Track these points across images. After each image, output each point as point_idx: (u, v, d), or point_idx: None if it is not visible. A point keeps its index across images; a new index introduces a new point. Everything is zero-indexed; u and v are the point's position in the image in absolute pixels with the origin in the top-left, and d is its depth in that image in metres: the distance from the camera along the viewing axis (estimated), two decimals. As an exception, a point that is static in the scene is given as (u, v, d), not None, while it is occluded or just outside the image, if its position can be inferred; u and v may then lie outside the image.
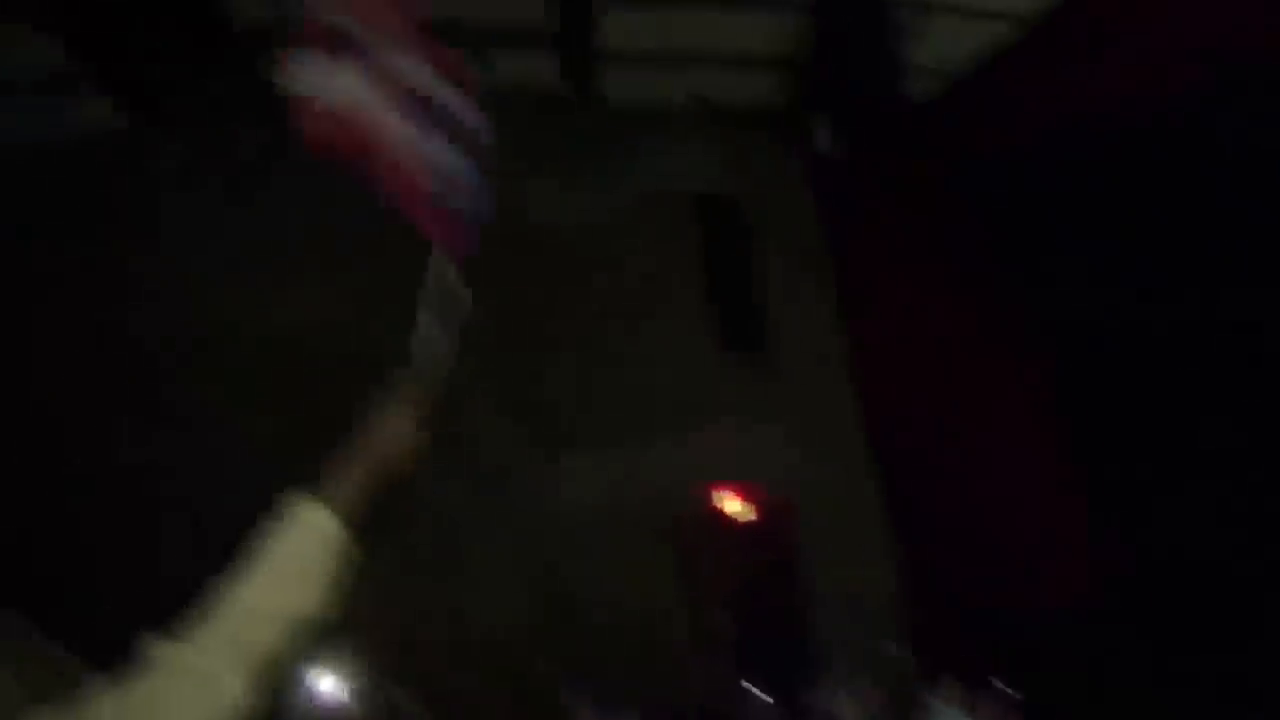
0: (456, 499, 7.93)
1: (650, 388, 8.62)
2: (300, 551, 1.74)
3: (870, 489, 8.72)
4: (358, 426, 1.93)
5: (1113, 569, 7.12)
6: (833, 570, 8.29)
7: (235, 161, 8.68)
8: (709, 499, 8.67)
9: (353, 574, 1.82)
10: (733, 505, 8.85)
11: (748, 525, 8.80)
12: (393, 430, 1.97)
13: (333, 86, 2.12)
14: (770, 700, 7.26)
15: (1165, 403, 6.85)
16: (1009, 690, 5.89)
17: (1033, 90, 8.17)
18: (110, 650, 1.74)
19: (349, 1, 2.19)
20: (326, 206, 7.20)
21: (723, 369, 8.80)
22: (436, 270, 2.27)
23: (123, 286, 8.29)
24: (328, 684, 7.08)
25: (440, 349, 2.27)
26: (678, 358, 8.74)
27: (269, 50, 7.75)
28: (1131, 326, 7.06)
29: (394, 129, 2.19)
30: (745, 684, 7.45)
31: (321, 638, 1.80)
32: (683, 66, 8.73)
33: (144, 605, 2.38)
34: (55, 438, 7.55)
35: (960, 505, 8.15)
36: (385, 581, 7.73)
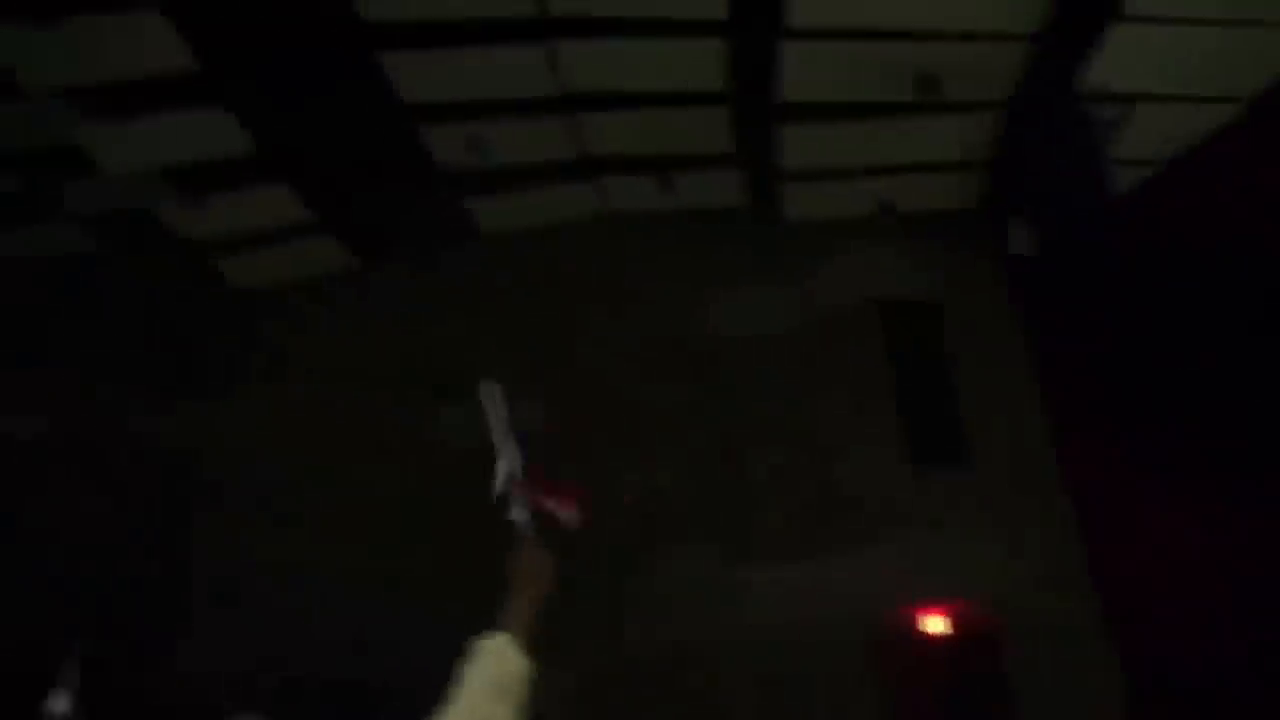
0: (639, 616, 8.02)
1: (840, 500, 8.45)
2: (497, 681, 2.09)
3: (1087, 609, 8.06)
4: (506, 564, 2.38)
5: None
6: (1047, 698, 7.69)
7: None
8: (907, 617, 8.32)
9: (536, 695, 2.16)
10: (934, 624, 8.45)
11: (951, 646, 8.36)
12: (534, 561, 2.40)
13: None
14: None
15: None
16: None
17: (1252, 176, 7.61)
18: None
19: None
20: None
21: (916, 480, 8.51)
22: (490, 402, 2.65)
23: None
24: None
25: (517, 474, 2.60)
26: (868, 469, 8.55)
27: (466, 188, 8.48)
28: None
29: None
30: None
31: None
32: (866, 176, 8.74)
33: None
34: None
35: (1193, 629, 7.41)
36: (565, 701, 7.98)
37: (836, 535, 8.40)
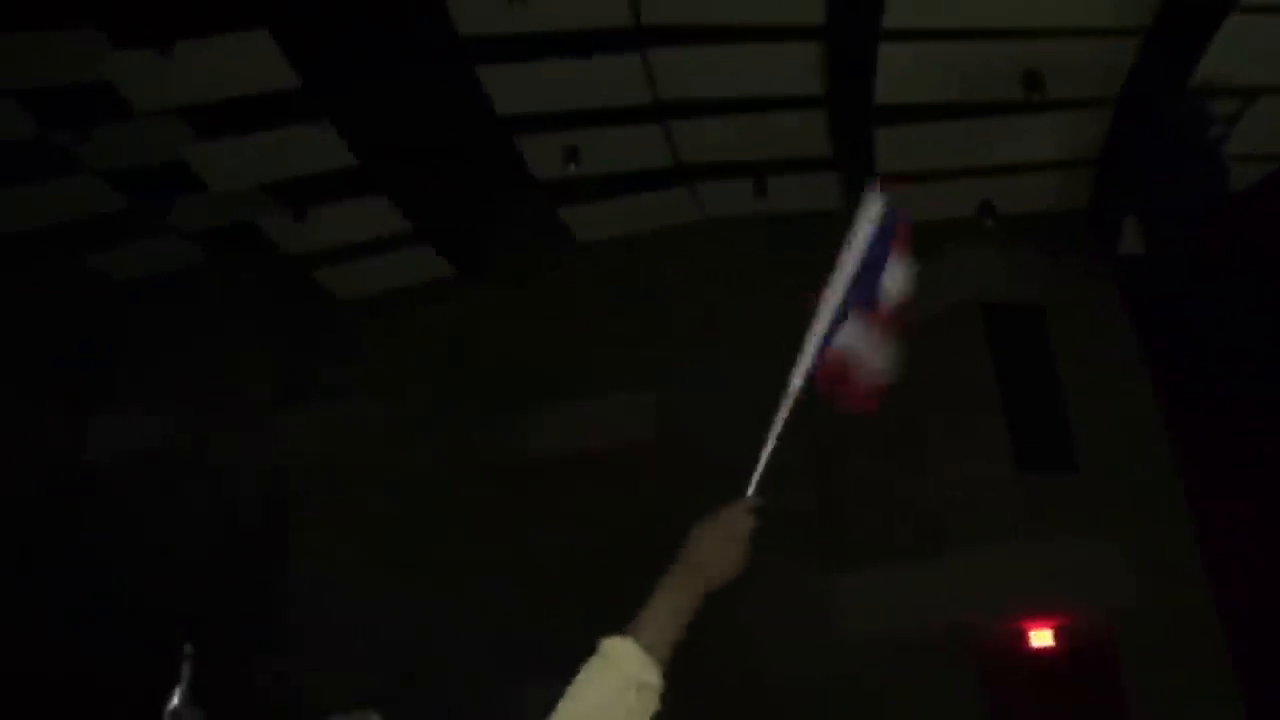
0: (725, 625, 7.98)
1: (941, 508, 8.31)
2: (607, 697, 1.78)
3: (1204, 617, 7.79)
4: (690, 550, 1.92)
5: None
6: (1163, 709, 7.45)
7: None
8: (1013, 630, 8.15)
9: (659, 706, 1.83)
10: (1043, 637, 8.27)
11: (1061, 660, 8.17)
12: (720, 555, 1.95)
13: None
14: None
15: None
16: None
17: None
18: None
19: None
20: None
21: (1022, 487, 8.31)
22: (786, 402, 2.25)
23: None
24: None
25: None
26: (972, 476, 8.38)
27: (561, 199, 8.58)
28: None
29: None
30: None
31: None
32: (967, 177, 8.60)
33: None
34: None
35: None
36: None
37: (937, 544, 8.24)
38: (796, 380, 2.24)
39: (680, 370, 9.22)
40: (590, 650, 1.82)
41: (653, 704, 1.80)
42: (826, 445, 8.78)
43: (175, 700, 3.61)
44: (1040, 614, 8.18)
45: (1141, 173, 8.08)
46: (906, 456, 8.64)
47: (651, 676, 1.80)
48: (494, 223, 9.38)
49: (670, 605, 1.86)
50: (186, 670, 3.64)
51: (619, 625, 1.85)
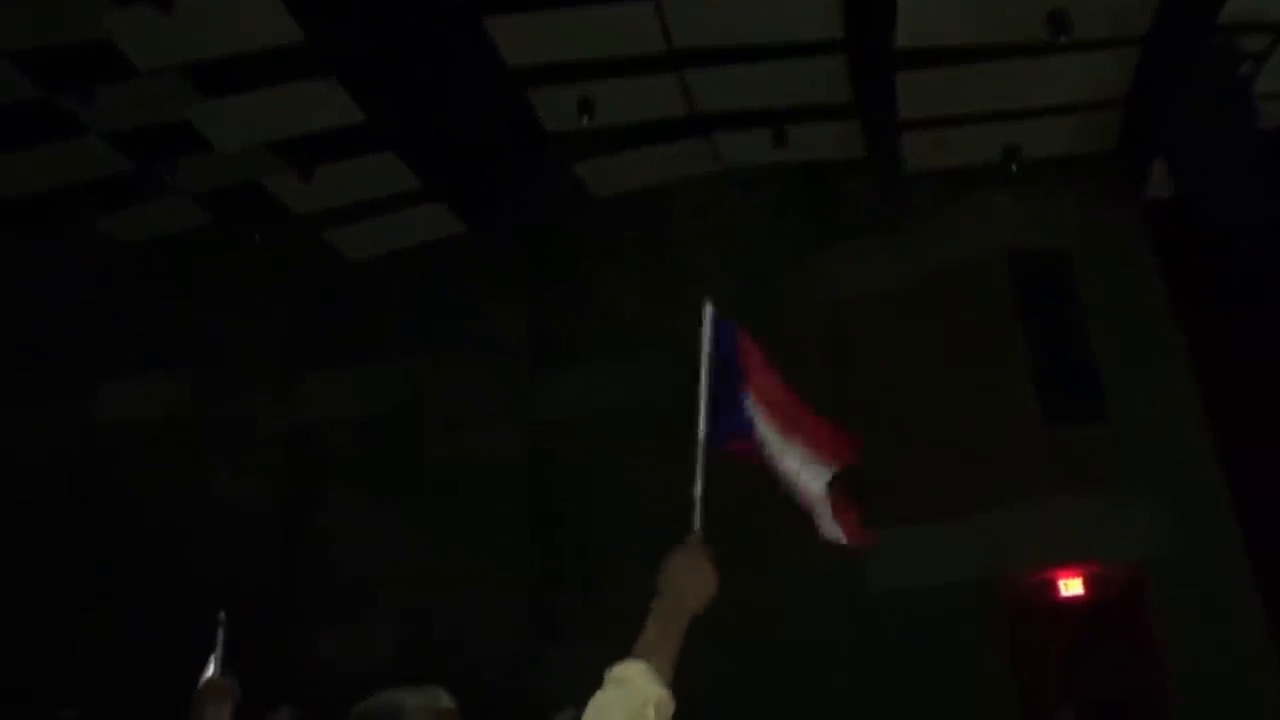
0: (770, 589, 8.03)
1: (967, 460, 8.30)
2: (628, 716, 1.92)
3: (1239, 568, 7.81)
4: (660, 580, 2.11)
5: None
6: (1195, 659, 7.49)
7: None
8: (1042, 581, 8.19)
9: None
10: (1071, 587, 8.30)
11: (1091, 607, 8.21)
12: (692, 580, 2.14)
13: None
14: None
15: None
16: None
17: None
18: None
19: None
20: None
21: (1049, 440, 8.30)
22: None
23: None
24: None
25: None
26: (998, 428, 8.37)
27: (578, 152, 8.47)
28: None
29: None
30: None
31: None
32: (988, 121, 8.49)
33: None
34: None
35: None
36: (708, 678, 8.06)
37: (964, 496, 8.25)
38: (702, 428, 2.47)
39: (690, 329, 9.16)
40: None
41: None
42: (849, 398, 8.78)
43: (211, 667, 3.63)
44: (1069, 566, 8.21)
45: (1169, 113, 7.98)
46: (931, 410, 8.63)
47: (662, 691, 1.94)
48: (506, 178, 9.29)
49: (662, 632, 2.04)
50: (221, 637, 3.66)
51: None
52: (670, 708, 1.95)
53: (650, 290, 9.23)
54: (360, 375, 10.08)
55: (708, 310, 2.58)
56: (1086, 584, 8.20)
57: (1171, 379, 8.34)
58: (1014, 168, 8.64)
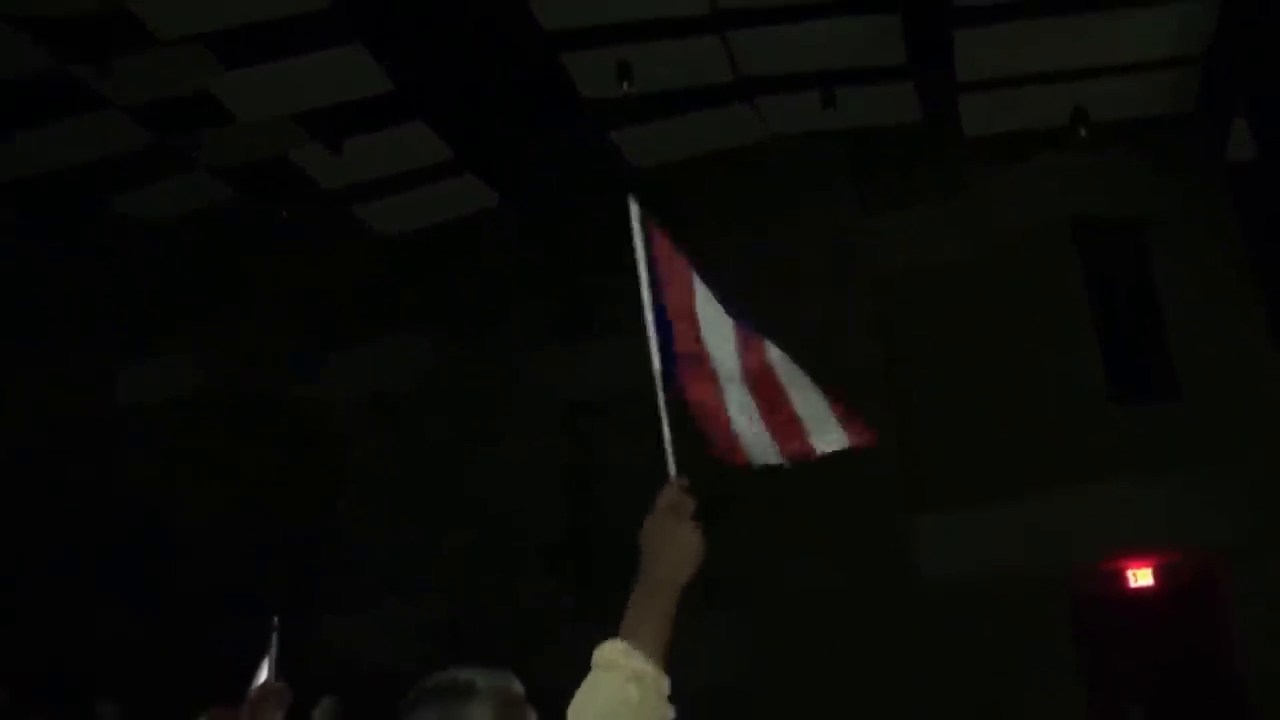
0: (815, 568, 7.82)
1: (1030, 442, 7.99)
2: (609, 697, 1.83)
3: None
4: (644, 552, 1.92)
5: None
6: (1276, 655, 7.16)
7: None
8: (1110, 569, 7.88)
9: (669, 709, 1.86)
10: (1142, 575, 7.99)
11: (1163, 598, 7.91)
12: (674, 543, 1.96)
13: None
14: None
15: None
16: None
17: None
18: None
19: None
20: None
21: (1119, 418, 7.98)
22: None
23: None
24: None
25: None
26: (1063, 408, 8.06)
27: (616, 120, 8.18)
28: None
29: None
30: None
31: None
32: (1054, 82, 8.09)
33: None
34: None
35: None
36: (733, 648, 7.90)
37: (1026, 480, 7.97)
38: (656, 358, 2.25)
39: (738, 299, 8.91)
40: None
41: (658, 700, 1.84)
42: (903, 380, 8.50)
43: (264, 673, 3.59)
44: (1139, 554, 7.91)
45: (1253, 69, 7.56)
46: (992, 388, 8.32)
47: (645, 666, 1.84)
48: (541, 148, 9.04)
49: (644, 611, 1.90)
50: (274, 642, 3.61)
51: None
52: (663, 683, 1.83)
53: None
54: (387, 351, 9.96)
55: (634, 210, 2.30)
56: (1157, 574, 7.91)
57: (1251, 354, 7.96)
58: (1082, 132, 8.24)
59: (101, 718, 6.91)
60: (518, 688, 1.98)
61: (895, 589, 8.08)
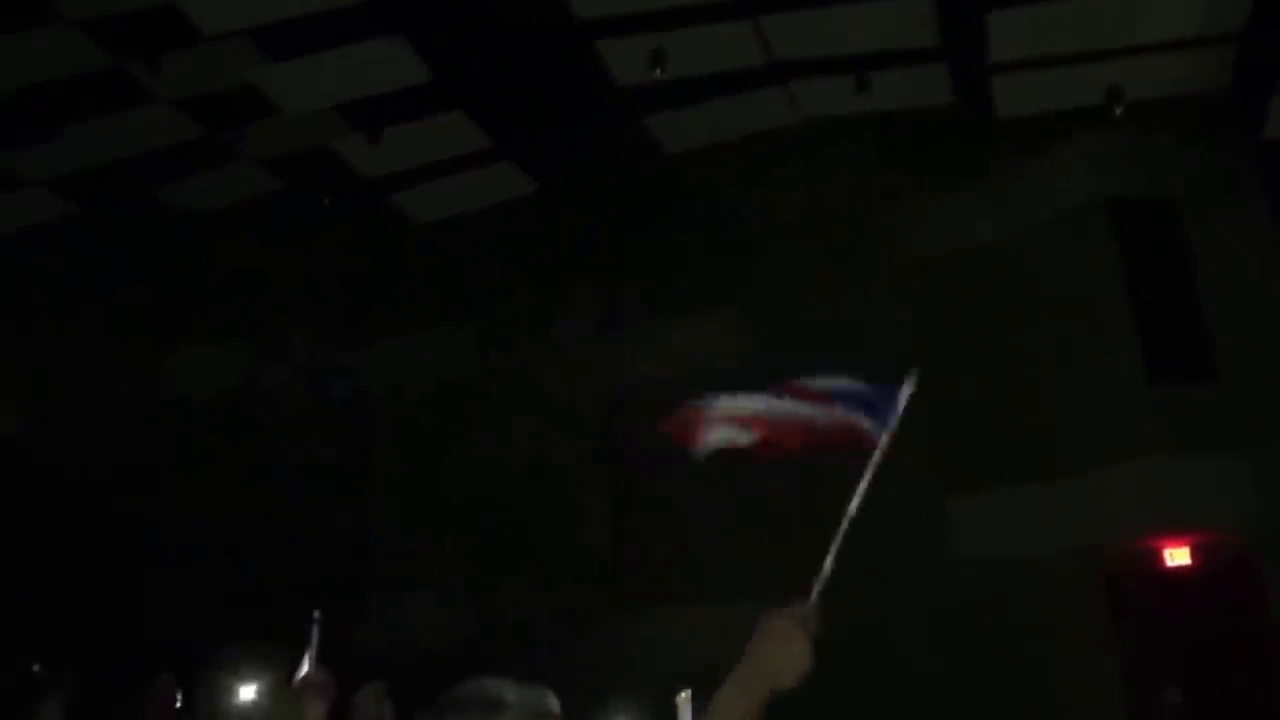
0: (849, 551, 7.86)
1: (1066, 422, 8.01)
2: None
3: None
4: (752, 648, 1.91)
5: None
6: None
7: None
8: (1146, 549, 7.88)
9: None
10: (1179, 554, 7.98)
11: (1199, 578, 7.88)
12: (783, 658, 1.92)
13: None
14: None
15: None
16: None
17: None
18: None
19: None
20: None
21: (1156, 399, 7.96)
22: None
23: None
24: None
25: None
26: (1099, 388, 8.06)
27: (650, 106, 8.26)
28: None
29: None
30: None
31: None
32: (1088, 61, 8.08)
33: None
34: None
35: None
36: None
37: (1062, 461, 7.99)
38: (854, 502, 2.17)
39: (764, 285, 9.03)
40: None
41: None
42: (934, 357, 8.54)
43: (306, 666, 3.66)
44: (1175, 534, 7.89)
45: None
46: (1023, 369, 8.35)
47: None
48: (576, 135, 9.18)
49: (731, 704, 1.88)
50: (315, 636, 3.66)
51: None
52: None
53: (724, 249, 9.08)
54: (430, 339, 10.16)
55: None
56: (1194, 553, 7.88)
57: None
58: (1117, 110, 8.22)
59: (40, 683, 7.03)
60: (550, 704, 1.94)
61: (931, 570, 8.14)
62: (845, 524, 2.14)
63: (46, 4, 7.60)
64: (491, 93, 8.78)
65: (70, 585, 8.86)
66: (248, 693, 6.84)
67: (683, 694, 5.61)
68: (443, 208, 9.92)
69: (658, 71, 8.16)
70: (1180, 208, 8.41)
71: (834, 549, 2.11)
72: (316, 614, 3.60)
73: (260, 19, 7.93)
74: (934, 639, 7.94)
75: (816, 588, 2.06)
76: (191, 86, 8.68)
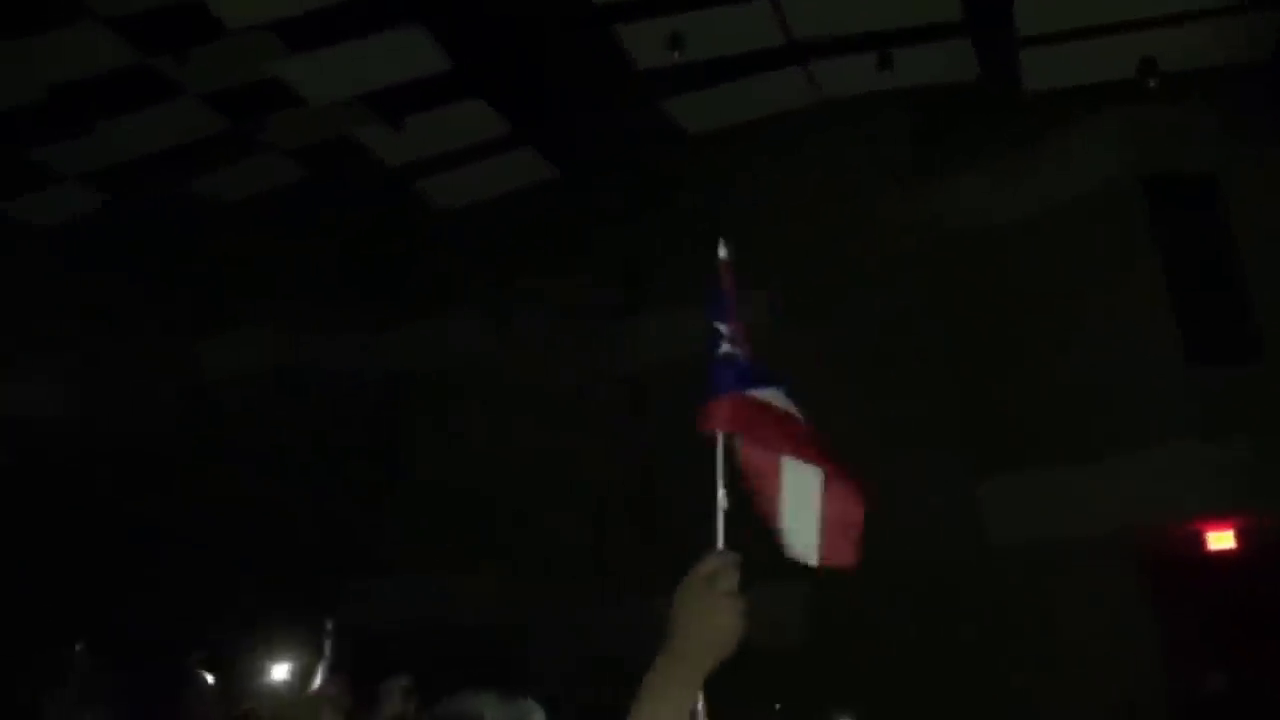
0: (882, 535, 7.75)
1: (1101, 404, 7.81)
2: None
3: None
4: (671, 623, 1.67)
5: None
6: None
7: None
8: (1186, 532, 7.66)
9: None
10: (1222, 538, 7.76)
11: (1243, 561, 7.66)
12: (703, 626, 1.68)
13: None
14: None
15: None
16: None
17: None
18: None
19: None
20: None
21: (1193, 380, 7.73)
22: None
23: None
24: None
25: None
26: (1135, 369, 7.85)
27: (668, 86, 8.19)
28: None
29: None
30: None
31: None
32: (1120, 32, 7.86)
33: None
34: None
35: None
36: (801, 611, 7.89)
37: (1098, 443, 7.79)
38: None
39: (793, 267, 8.91)
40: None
41: None
42: (963, 338, 8.40)
43: (319, 676, 3.64)
44: (1217, 517, 7.67)
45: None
46: (1063, 351, 8.16)
47: None
48: (596, 119, 9.14)
49: (661, 689, 1.63)
50: (329, 647, 3.63)
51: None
52: None
53: (747, 230, 8.95)
54: (452, 323, 10.21)
55: (722, 253, 2.22)
56: (1239, 536, 7.66)
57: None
58: (1152, 83, 7.98)
59: (77, 662, 7.10)
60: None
61: (965, 554, 7.99)
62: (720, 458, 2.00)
63: (77, 2, 7.77)
64: (511, 79, 8.79)
65: (100, 566, 9.01)
66: (280, 671, 6.86)
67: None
68: (464, 194, 9.95)
69: (676, 54, 8.11)
70: (1219, 183, 8.16)
71: (720, 482, 1.96)
72: (329, 624, 3.54)
73: (282, 12, 8.01)
74: (970, 622, 7.81)
75: (719, 534, 1.89)
76: (216, 80, 8.80)
